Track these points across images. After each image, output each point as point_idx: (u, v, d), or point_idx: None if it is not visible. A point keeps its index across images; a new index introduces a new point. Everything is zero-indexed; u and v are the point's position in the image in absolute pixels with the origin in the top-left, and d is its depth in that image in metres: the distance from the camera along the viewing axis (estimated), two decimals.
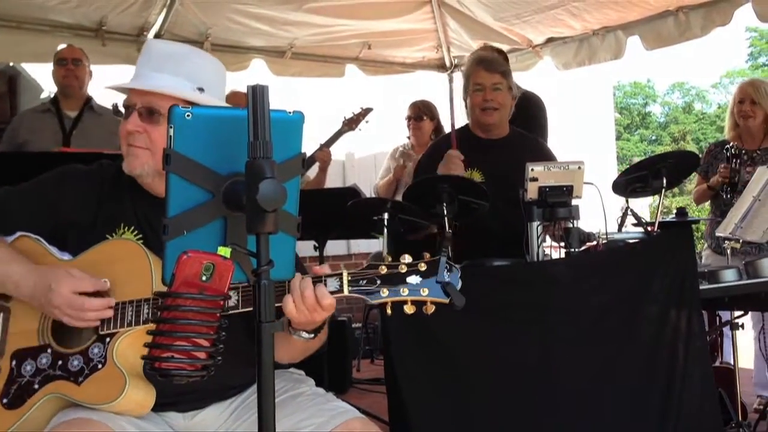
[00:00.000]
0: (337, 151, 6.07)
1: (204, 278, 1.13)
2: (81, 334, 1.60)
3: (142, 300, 1.54)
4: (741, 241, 3.04)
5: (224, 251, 1.17)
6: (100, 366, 1.53)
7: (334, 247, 6.13)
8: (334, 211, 3.17)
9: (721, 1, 4.20)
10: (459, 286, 1.42)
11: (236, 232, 1.24)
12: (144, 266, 1.56)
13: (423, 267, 1.42)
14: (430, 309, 1.42)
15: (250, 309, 1.18)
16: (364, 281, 1.43)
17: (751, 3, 4.05)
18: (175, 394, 1.65)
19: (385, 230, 2.65)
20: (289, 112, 1.30)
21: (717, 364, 3.61)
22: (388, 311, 1.45)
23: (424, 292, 1.41)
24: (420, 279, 1.41)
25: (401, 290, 1.41)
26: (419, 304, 1.42)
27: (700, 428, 2.49)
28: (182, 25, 4.53)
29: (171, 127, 1.20)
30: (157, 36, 4.49)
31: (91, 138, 3.81)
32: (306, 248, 4.29)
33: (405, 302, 1.42)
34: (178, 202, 1.21)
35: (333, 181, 6.17)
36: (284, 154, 1.28)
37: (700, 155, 3.69)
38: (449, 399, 2.33)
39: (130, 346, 1.54)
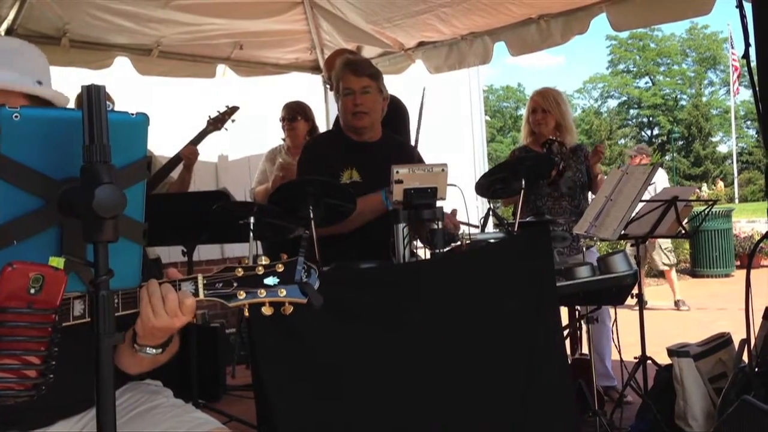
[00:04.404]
0: (209, 153, 5.95)
1: (32, 291, 1.06)
2: None
3: None
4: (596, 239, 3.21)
5: (56, 261, 1.10)
6: None
7: (208, 251, 5.98)
8: (203, 215, 3.09)
9: (579, 11, 4.43)
10: (317, 285, 1.41)
11: (74, 240, 1.18)
12: None
13: (280, 268, 1.40)
14: (288, 310, 1.41)
15: None
16: (221, 284, 1.40)
17: (606, 13, 4.30)
18: (15, 412, 1.53)
19: (251, 234, 2.60)
20: (132, 114, 1.24)
21: (577, 356, 3.80)
22: (246, 313, 1.42)
23: (282, 293, 1.39)
24: (278, 280, 1.39)
25: (259, 292, 1.39)
26: (277, 305, 1.41)
27: (559, 415, 2.61)
28: (37, 19, 4.27)
29: None
30: (9, 31, 4.20)
31: None
32: (175, 253, 4.16)
33: (263, 304, 1.40)
34: (7, 209, 1.13)
35: (206, 183, 6.03)
36: (126, 158, 1.23)
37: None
38: (317, 402, 2.31)
39: None
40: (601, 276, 3.01)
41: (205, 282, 1.40)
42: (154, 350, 1.48)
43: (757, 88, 2.55)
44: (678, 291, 8.01)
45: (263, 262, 1.41)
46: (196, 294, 1.40)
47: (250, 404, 2.73)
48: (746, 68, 2.74)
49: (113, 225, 1.11)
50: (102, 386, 1.10)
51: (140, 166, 1.25)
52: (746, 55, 2.65)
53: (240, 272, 1.40)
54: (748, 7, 2.64)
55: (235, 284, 1.39)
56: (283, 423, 2.24)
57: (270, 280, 1.40)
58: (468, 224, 2.81)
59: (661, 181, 7.58)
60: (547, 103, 4.11)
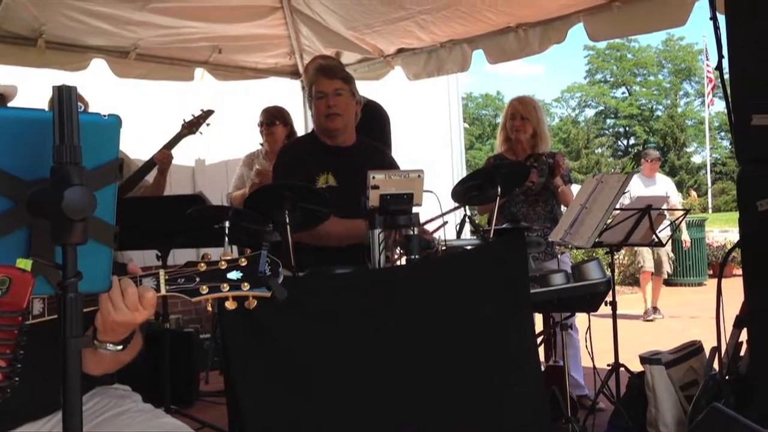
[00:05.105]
0: (186, 157, 5.91)
1: None
2: None
3: None
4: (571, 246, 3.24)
5: (24, 264, 1.09)
6: None
7: (183, 255, 5.89)
8: (178, 219, 3.06)
9: (556, 20, 4.47)
10: (281, 279, 1.41)
11: (43, 242, 1.16)
12: None
13: (244, 262, 1.39)
14: (252, 304, 1.40)
15: (56, 316, 1.11)
16: (183, 279, 1.39)
17: (583, 23, 4.35)
18: None
19: (226, 238, 2.59)
20: (104, 116, 1.23)
21: (551, 362, 3.82)
22: (209, 308, 1.41)
23: (245, 286, 1.38)
24: (241, 274, 1.39)
25: (222, 286, 1.38)
26: (241, 300, 1.40)
27: (532, 421, 2.62)
28: (12, 20, 4.22)
29: None
30: None
31: None
32: (149, 257, 4.13)
33: (226, 298, 1.39)
34: None
35: (182, 187, 5.98)
36: (97, 160, 1.21)
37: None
38: (288, 404, 2.31)
39: None
40: (575, 283, 3.03)
41: (167, 277, 1.39)
42: (115, 347, 1.45)
43: (730, 100, 2.58)
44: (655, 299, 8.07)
45: (226, 257, 1.40)
46: (157, 289, 1.39)
47: (224, 410, 2.71)
48: (720, 80, 2.78)
49: (83, 227, 1.10)
50: (69, 390, 1.09)
51: (112, 168, 1.23)
52: (719, 67, 2.69)
53: (203, 267, 1.39)
54: (721, 19, 2.68)
55: (197, 279, 1.39)
56: (253, 424, 2.23)
57: (233, 275, 1.39)
58: (441, 224, 2.81)
59: (670, 192, 7.67)
60: (526, 110, 4.14)
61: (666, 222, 4.47)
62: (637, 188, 7.42)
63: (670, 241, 7.75)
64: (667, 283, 10.72)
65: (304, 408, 2.30)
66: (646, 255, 7.88)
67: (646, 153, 8.32)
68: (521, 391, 2.58)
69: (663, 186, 7.88)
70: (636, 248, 7.68)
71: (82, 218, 1.09)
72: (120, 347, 1.46)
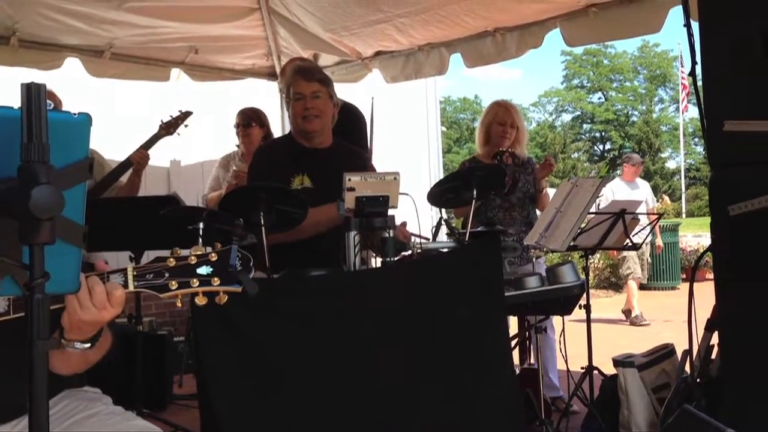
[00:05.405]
0: (162, 158, 5.86)
1: None
2: None
3: None
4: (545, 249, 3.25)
5: None
6: None
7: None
8: (152, 221, 3.03)
9: (533, 25, 4.50)
10: (252, 274, 1.39)
11: (9, 242, 1.14)
12: None
13: (214, 257, 1.37)
14: (223, 299, 1.38)
15: (22, 314, 1.09)
16: (152, 275, 1.36)
17: (560, 28, 4.38)
18: None
19: (200, 240, 2.56)
20: (74, 114, 1.21)
21: (525, 365, 3.84)
22: (179, 304, 1.39)
23: (216, 282, 1.36)
24: (211, 269, 1.37)
25: (191, 281, 1.36)
26: (211, 295, 1.38)
27: (506, 424, 2.63)
28: None
29: None
30: None
31: None
32: (123, 259, 4.08)
33: (196, 294, 1.37)
34: None
35: (157, 189, 5.93)
36: (67, 159, 1.19)
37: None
38: (264, 409, 2.29)
39: None
40: (550, 286, 3.05)
41: (135, 273, 1.37)
42: (82, 345, 1.42)
43: (702, 106, 2.61)
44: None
45: (196, 252, 1.39)
46: (125, 285, 1.37)
47: (197, 414, 2.68)
48: (693, 86, 2.81)
49: (50, 227, 1.08)
50: (35, 393, 1.07)
51: (81, 167, 1.22)
52: (693, 73, 2.71)
53: (172, 262, 1.37)
54: (695, 26, 2.71)
55: (166, 275, 1.37)
56: (226, 426, 2.21)
57: (203, 270, 1.37)
58: (419, 235, 2.81)
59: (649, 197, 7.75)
60: (516, 118, 4.18)
61: (648, 227, 4.52)
62: (622, 192, 7.45)
63: (648, 246, 7.85)
64: (642, 287, 10.83)
65: (278, 411, 2.29)
66: (635, 261, 7.86)
67: (630, 157, 8.35)
68: (495, 394, 2.59)
69: (645, 190, 7.96)
70: (625, 254, 7.66)
71: (50, 217, 1.07)
72: (88, 345, 1.43)
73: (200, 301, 1.37)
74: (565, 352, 3.39)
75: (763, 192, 2.34)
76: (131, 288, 1.37)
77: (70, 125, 1.20)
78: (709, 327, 2.83)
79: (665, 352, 3.54)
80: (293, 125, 3.19)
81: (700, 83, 2.71)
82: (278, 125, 5.63)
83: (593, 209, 3.61)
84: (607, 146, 46.88)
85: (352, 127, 3.65)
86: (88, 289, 1.34)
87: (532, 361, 3.90)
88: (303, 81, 3.09)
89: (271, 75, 5.79)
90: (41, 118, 1.08)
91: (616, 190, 7.55)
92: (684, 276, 10.91)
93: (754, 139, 2.39)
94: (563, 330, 3.42)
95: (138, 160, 4.00)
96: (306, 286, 2.48)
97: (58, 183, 1.09)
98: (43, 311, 1.09)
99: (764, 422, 2.40)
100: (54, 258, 1.13)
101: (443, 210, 3.54)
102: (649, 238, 7.54)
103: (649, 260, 8.51)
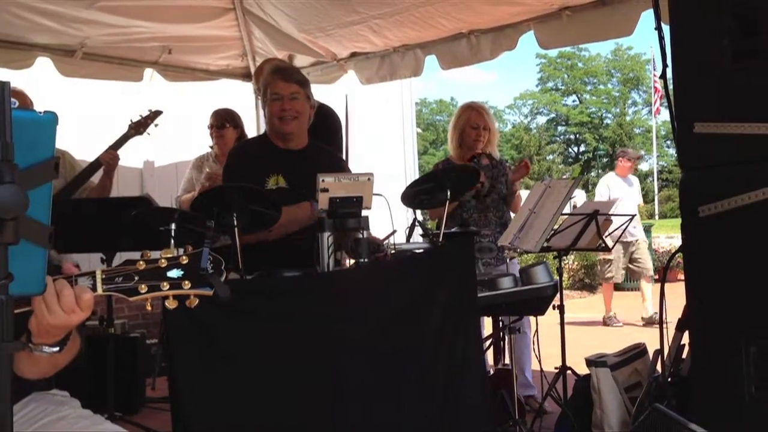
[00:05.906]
0: (135, 159, 5.80)
1: None
2: None
3: None
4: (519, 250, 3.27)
5: None
6: None
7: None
8: (124, 222, 3.00)
9: (507, 27, 4.53)
10: (223, 277, 1.38)
11: None
12: None
13: (185, 260, 1.35)
14: (194, 302, 1.36)
15: None
16: (121, 278, 1.34)
17: (533, 31, 4.41)
18: None
19: (172, 241, 2.54)
20: (40, 113, 1.19)
21: (500, 366, 3.85)
22: (148, 307, 1.38)
23: (186, 285, 1.35)
24: (182, 272, 1.35)
25: (161, 285, 1.34)
26: (182, 299, 1.36)
27: (477, 422, 2.64)
28: None
29: None
30: None
31: None
32: (94, 261, 4.03)
33: (166, 297, 1.35)
34: None
35: (130, 190, 5.87)
36: (32, 158, 1.17)
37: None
38: (235, 410, 2.27)
39: None
40: (523, 287, 3.06)
41: (104, 276, 1.35)
42: (51, 349, 1.39)
43: (673, 108, 2.64)
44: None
45: (167, 255, 1.37)
46: (94, 289, 1.35)
47: (170, 417, 2.66)
48: (664, 88, 2.84)
49: (14, 226, 1.07)
50: None
51: (47, 166, 1.19)
52: (664, 76, 2.75)
53: (142, 265, 1.35)
54: (666, 29, 2.73)
55: (136, 278, 1.34)
56: (195, 427, 2.20)
57: (174, 273, 1.35)
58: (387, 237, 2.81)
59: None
60: (489, 120, 4.21)
61: (633, 225, 4.54)
62: (618, 188, 7.40)
63: (645, 243, 7.84)
64: (615, 287, 10.94)
65: (250, 413, 2.27)
66: (618, 266, 7.71)
67: (625, 152, 8.07)
68: (467, 394, 2.59)
69: (638, 186, 7.90)
70: (611, 257, 7.54)
71: (14, 217, 1.05)
72: (56, 349, 1.40)
73: (171, 304, 1.35)
74: (539, 352, 3.41)
75: (733, 193, 2.37)
76: (100, 291, 1.34)
77: (36, 124, 1.18)
78: (680, 327, 2.86)
79: (637, 351, 3.58)
80: (269, 125, 3.18)
81: (671, 86, 2.73)
82: (253, 126, 5.60)
83: (567, 209, 3.64)
84: (582, 148, 47.33)
85: (326, 128, 3.65)
86: (56, 292, 1.31)
87: (507, 361, 3.92)
88: (281, 81, 3.07)
89: (245, 76, 5.76)
90: (5, 117, 1.07)
91: (612, 186, 7.43)
92: (657, 277, 11.02)
93: (724, 141, 2.42)
94: (536, 331, 3.44)
95: (107, 160, 3.95)
96: (279, 288, 2.47)
97: (23, 182, 1.07)
98: (7, 313, 1.07)
99: (732, 421, 2.43)
100: (18, 259, 1.12)
101: (419, 211, 3.55)
102: (634, 236, 7.53)
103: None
